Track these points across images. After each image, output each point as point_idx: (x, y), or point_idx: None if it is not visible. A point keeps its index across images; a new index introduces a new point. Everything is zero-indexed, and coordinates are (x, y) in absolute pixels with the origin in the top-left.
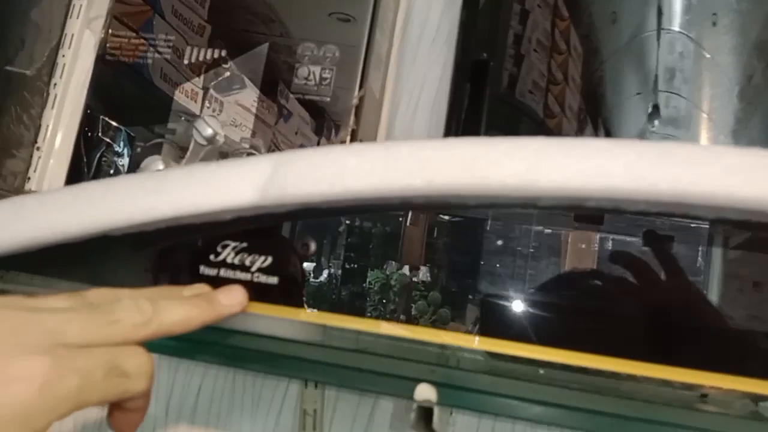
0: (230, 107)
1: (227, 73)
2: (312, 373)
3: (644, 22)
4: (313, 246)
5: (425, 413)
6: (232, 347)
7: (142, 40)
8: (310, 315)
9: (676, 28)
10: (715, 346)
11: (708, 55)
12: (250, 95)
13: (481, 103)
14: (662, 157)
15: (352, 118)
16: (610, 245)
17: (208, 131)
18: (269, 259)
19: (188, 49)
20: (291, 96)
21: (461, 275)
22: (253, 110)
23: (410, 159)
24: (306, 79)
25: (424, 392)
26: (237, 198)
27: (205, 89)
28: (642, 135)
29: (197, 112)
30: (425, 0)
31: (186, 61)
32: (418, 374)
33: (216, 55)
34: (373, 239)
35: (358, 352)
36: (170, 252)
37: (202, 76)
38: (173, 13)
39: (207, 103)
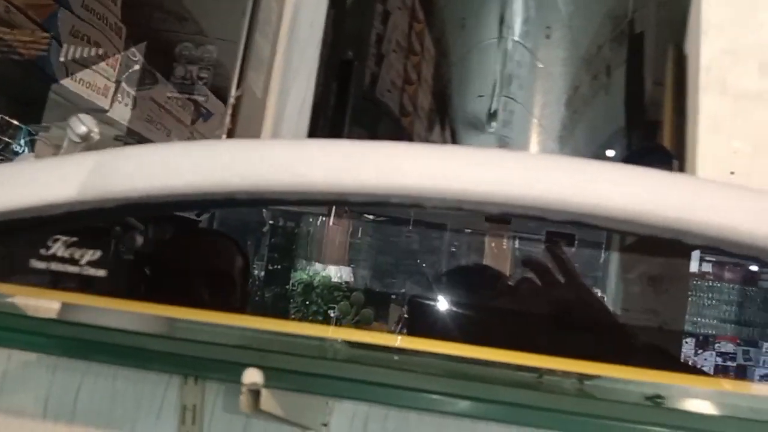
0: (144, 103)
1: (136, 66)
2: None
3: (488, 30)
4: (139, 239)
5: (254, 395)
6: (81, 340)
7: (45, 34)
8: (132, 305)
9: (515, 38)
10: (541, 331)
11: (541, 65)
12: (162, 91)
13: (346, 101)
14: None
15: (228, 117)
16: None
17: (82, 129)
18: (98, 253)
19: (97, 44)
20: (211, 94)
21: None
22: (167, 107)
23: (229, 158)
24: (183, 78)
25: (252, 376)
26: (58, 193)
27: (117, 83)
28: (481, 135)
29: (106, 108)
30: (314, 3)
31: (94, 56)
32: (249, 360)
33: (127, 50)
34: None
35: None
36: (2, 246)
37: (115, 71)
38: (83, 6)
39: (119, 97)
